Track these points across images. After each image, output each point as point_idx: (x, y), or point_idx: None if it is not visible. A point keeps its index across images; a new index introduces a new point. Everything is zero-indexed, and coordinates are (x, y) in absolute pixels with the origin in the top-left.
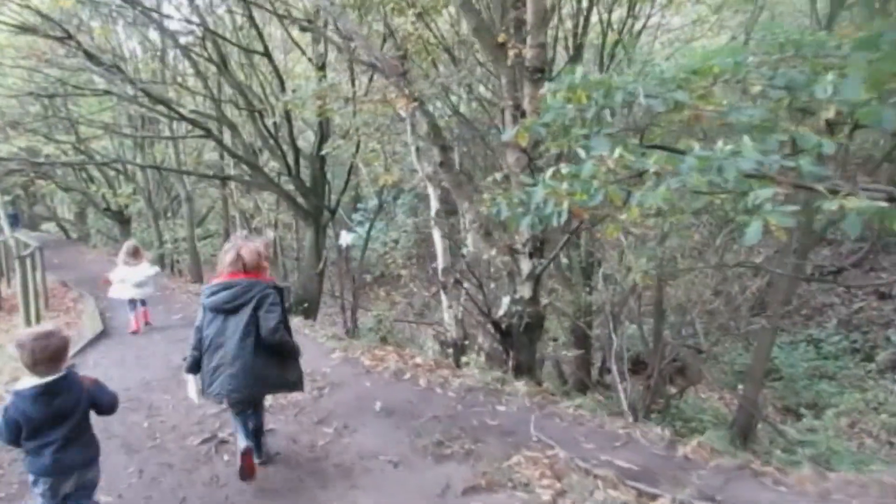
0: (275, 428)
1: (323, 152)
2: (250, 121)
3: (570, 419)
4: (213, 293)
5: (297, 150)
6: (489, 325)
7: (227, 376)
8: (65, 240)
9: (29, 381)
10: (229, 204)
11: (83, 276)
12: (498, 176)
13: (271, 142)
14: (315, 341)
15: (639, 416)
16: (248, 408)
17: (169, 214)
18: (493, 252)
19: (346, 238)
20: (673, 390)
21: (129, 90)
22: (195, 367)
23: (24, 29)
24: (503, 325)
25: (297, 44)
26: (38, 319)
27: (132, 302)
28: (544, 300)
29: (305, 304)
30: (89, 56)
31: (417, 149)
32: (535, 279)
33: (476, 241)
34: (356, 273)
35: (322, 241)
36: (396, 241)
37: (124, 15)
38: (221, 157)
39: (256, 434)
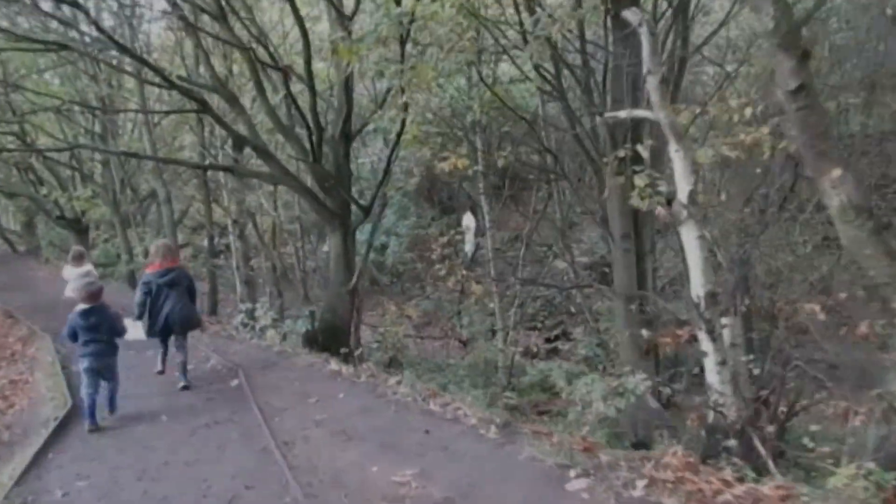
0: None
1: (389, 127)
2: (257, 92)
3: None
4: (163, 275)
5: (320, 129)
6: None
7: (173, 319)
8: (11, 254)
9: (81, 306)
10: (221, 205)
11: (35, 300)
12: None
13: (288, 118)
14: (475, 433)
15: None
16: (185, 339)
17: (138, 220)
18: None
19: None
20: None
21: (90, 42)
22: (142, 315)
23: None
24: None
25: None
26: None
27: None
28: None
29: (340, 348)
30: None
31: (663, 79)
32: None
33: (858, 242)
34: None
35: (352, 249)
36: (385, 247)
37: None
38: (203, 146)
39: (184, 366)
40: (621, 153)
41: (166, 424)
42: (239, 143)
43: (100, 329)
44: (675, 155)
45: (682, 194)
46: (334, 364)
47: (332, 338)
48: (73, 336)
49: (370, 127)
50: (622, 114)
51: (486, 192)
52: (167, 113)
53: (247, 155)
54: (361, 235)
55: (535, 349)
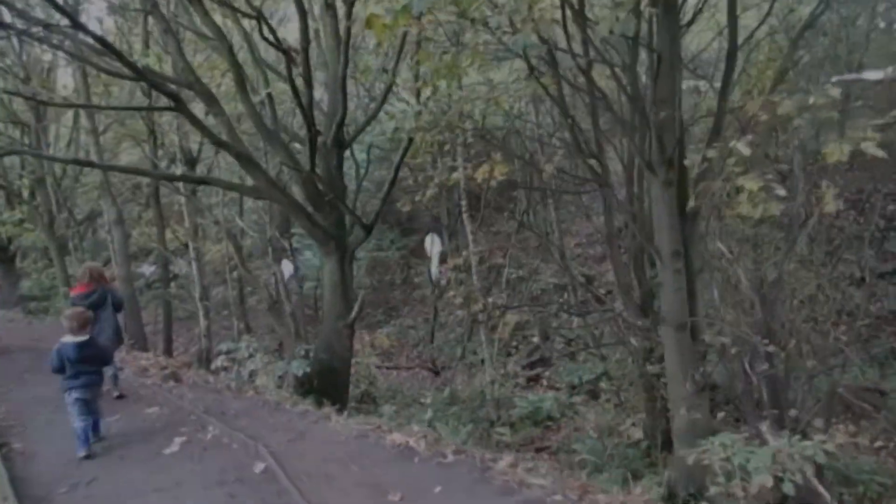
0: None
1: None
2: (238, 89)
3: None
4: (88, 296)
5: (314, 133)
6: None
7: (106, 335)
8: None
9: (71, 338)
10: (171, 227)
11: None
12: None
13: (272, 121)
14: None
15: None
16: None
17: (76, 244)
18: None
19: (287, 268)
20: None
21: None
22: None
23: None
24: None
25: None
26: None
27: None
28: None
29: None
30: None
31: None
32: None
33: None
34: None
35: (350, 275)
36: None
37: None
38: (155, 160)
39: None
40: (711, 153)
41: None
42: (190, 158)
43: (92, 360)
44: None
45: None
46: (397, 433)
47: (328, 382)
48: (59, 366)
49: None
50: (872, 74)
51: (469, 210)
52: (134, 109)
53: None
54: (316, 260)
55: (516, 377)
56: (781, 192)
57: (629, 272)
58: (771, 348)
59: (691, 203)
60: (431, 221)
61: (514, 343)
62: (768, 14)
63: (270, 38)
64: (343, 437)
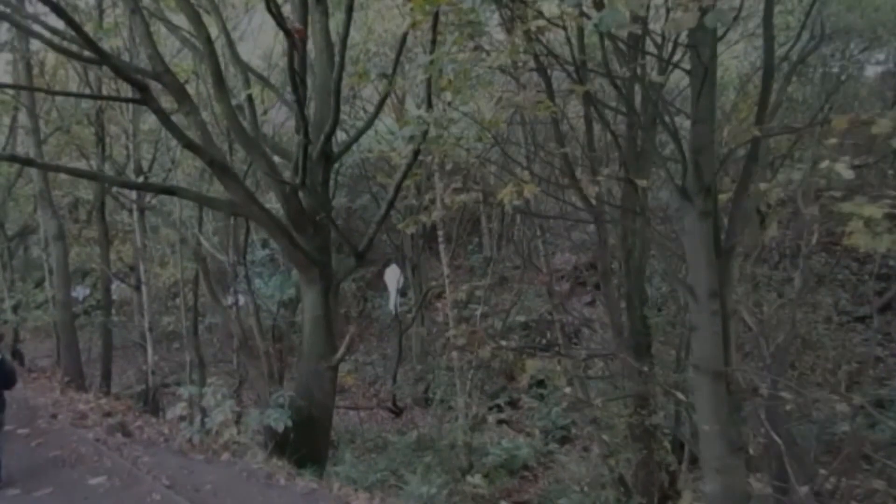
0: None
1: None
2: (215, 88)
3: None
4: None
5: (307, 140)
6: None
7: None
8: None
9: None
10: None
11: None
12: None
13: (253, 127)
14: None
15: None
16: None
17: (3, 263)
18: None
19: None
20: None
21: None
22: None
23: None
24: None
25: None
26: None
27: None
28: None
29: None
30: None
31: None
32: None
33: None
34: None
35: (335, 309)
36: (295, 301)
37: None
38: (103, 165)
39: None
40: (796, 175)
41: None
42: (142, 171)
43: None
44: None
45: None
46: None
47: (306, 434)
48: None
49: None
50: None
51: (446, 239)
52: (94, 98)
53: None
54: (267, 289)
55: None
56: None
57: (620, 311)
58: (842, 406)
59: (772, 233)
60: (390, 252)
61: (478, 383)
62: (800, 32)
63: (275, 11)
64: None
